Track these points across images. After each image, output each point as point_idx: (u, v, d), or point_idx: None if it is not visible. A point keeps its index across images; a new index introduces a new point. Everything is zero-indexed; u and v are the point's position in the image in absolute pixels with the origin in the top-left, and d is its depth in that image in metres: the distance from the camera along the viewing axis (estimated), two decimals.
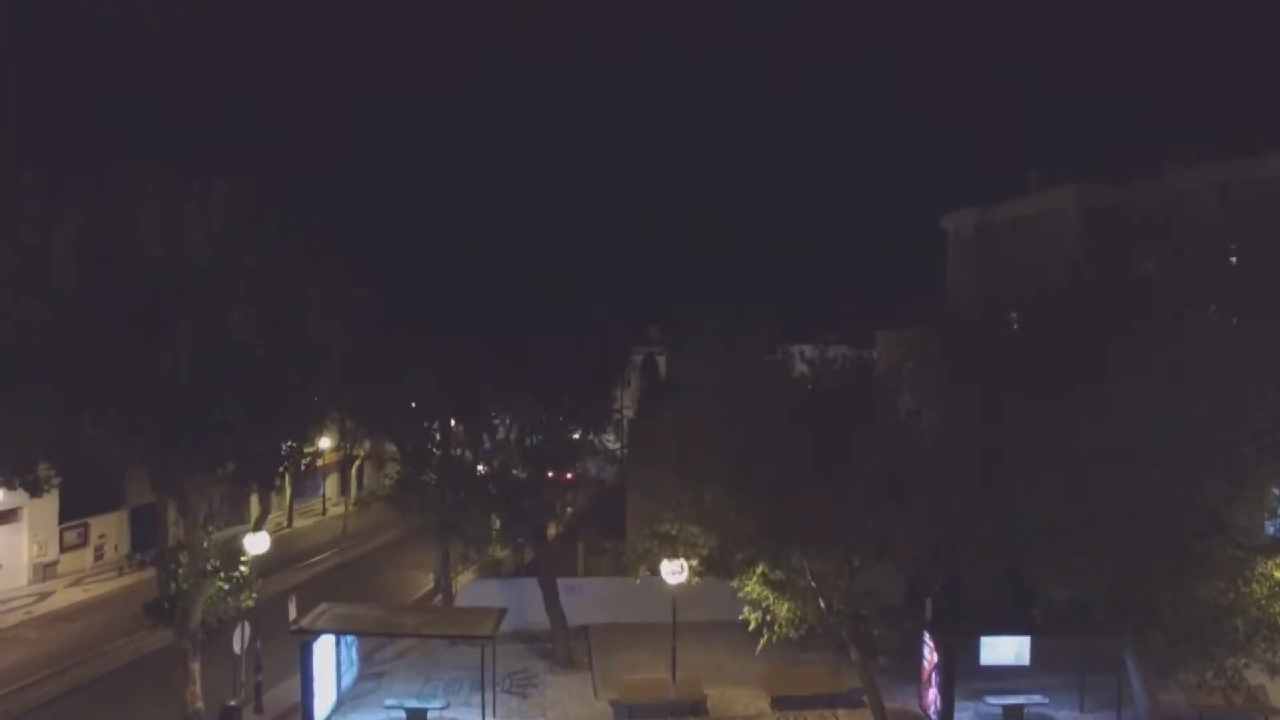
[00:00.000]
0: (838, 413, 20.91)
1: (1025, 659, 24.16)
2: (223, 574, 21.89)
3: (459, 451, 29.65)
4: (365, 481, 55.59)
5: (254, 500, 36.47)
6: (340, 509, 51.43)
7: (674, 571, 21.91)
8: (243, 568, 22.69)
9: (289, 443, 21.19)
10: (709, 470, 20.51)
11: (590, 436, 37.58)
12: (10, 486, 23.01)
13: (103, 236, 17.51)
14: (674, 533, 21.60)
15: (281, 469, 21.50)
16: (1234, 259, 47.71)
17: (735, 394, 21.44)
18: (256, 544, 23.84)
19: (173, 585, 21.15)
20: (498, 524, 29.36)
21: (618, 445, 60.82)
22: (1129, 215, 51.31)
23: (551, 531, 37.50)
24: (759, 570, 20.48)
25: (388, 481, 32.03)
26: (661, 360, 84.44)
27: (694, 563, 21.64)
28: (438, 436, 30.78)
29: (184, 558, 21.52)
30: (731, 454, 20.16)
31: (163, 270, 17.55)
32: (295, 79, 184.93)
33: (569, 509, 44.61)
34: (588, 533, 40.28)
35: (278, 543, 39.88)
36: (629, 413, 63.76)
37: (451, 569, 32.64)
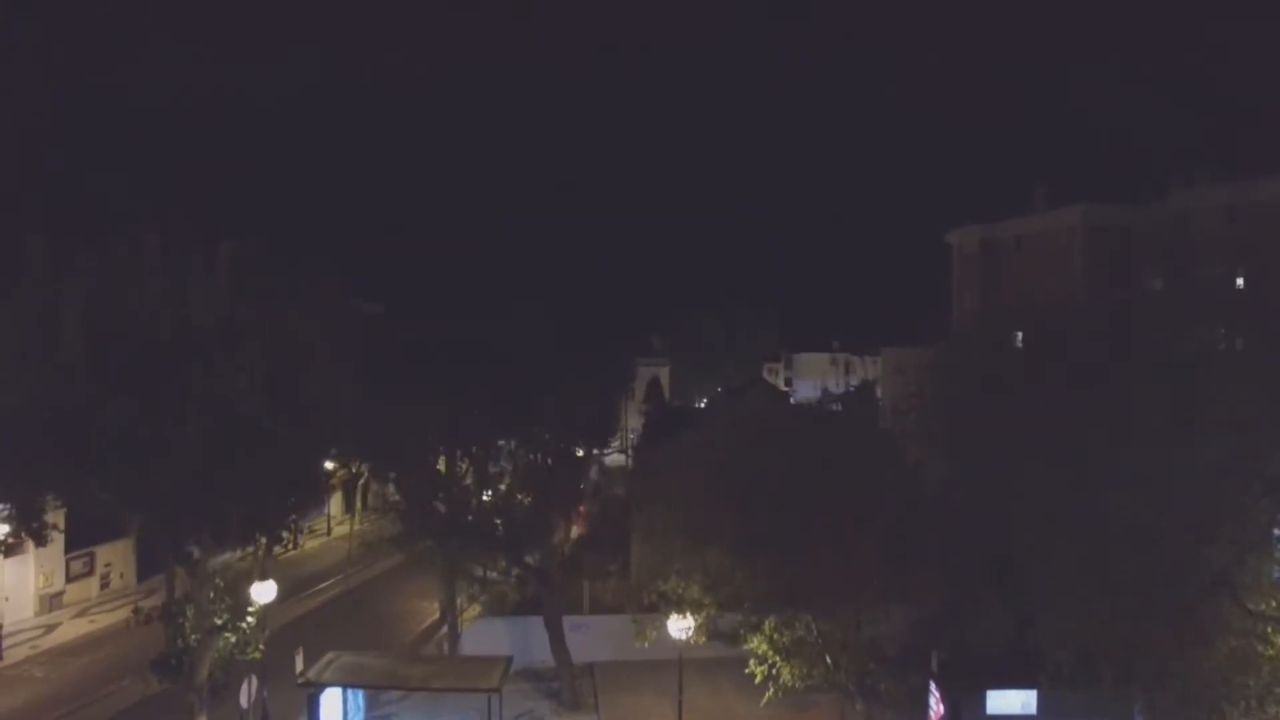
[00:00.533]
0: (844, 467, 20.83)
1: (1032, 708, 23.96)
2: (230, 626, 21.88)
3: (463, 494, 29.68)
4: (370, 500, 55.56)
5: None
6: (345, 528, 51.39)
7: (681, 629, 21.89)
8: (250, 618, 22.68)
9: (296, 502, 21.16)
10: (713, 529, 20.46)
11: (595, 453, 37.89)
12: (17, 536, 23.05)
13: (108, 305, 17.48)
14: (680, 591, 21.60)
15: (289, 521, 21.48)
16: (1240, 280, 47.62)
17: (739, 448, 21.38)
18: (263, 593, 23.83)
19: (179, 640, 21.13)
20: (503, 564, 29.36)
21: (623, 456, 60.90)
22: (1136, 235, 51.24)
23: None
24: (766, 630, 20.43)
25: (392, 513, 31.85)
26: (666, 371, 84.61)
27: (700, 619, 21.60)
28: (442, 472, 30.85)
29: (190, 611, 21.52)
30: (736, 513, 20.10)
31: (168, 339, 17.51)
32: (290, 82, 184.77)
33: (574, 529, 44.57)
34: (592, 559, 40.22)
35: (284, 566, 39.97)
36: (633, 424, 63.97)
37: (458, 606, 32.59)
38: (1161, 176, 53.19)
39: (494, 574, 29.82)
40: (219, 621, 21.62)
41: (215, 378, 17.45)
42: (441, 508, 27.68)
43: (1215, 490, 18.99)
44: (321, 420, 20.16)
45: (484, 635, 30.22)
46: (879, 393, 47.70)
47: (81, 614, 36.43)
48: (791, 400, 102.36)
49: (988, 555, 20.18)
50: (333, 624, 35.97)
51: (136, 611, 21.56)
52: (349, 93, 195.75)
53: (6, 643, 32.13)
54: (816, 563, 19.05)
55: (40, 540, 23.06)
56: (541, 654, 28.91)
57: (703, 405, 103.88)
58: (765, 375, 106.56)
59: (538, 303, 41.51)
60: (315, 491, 21.49)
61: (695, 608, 21.54)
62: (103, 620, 35.59)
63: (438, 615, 36.58)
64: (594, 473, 35.36)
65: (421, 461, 30.38)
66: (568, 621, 29.32)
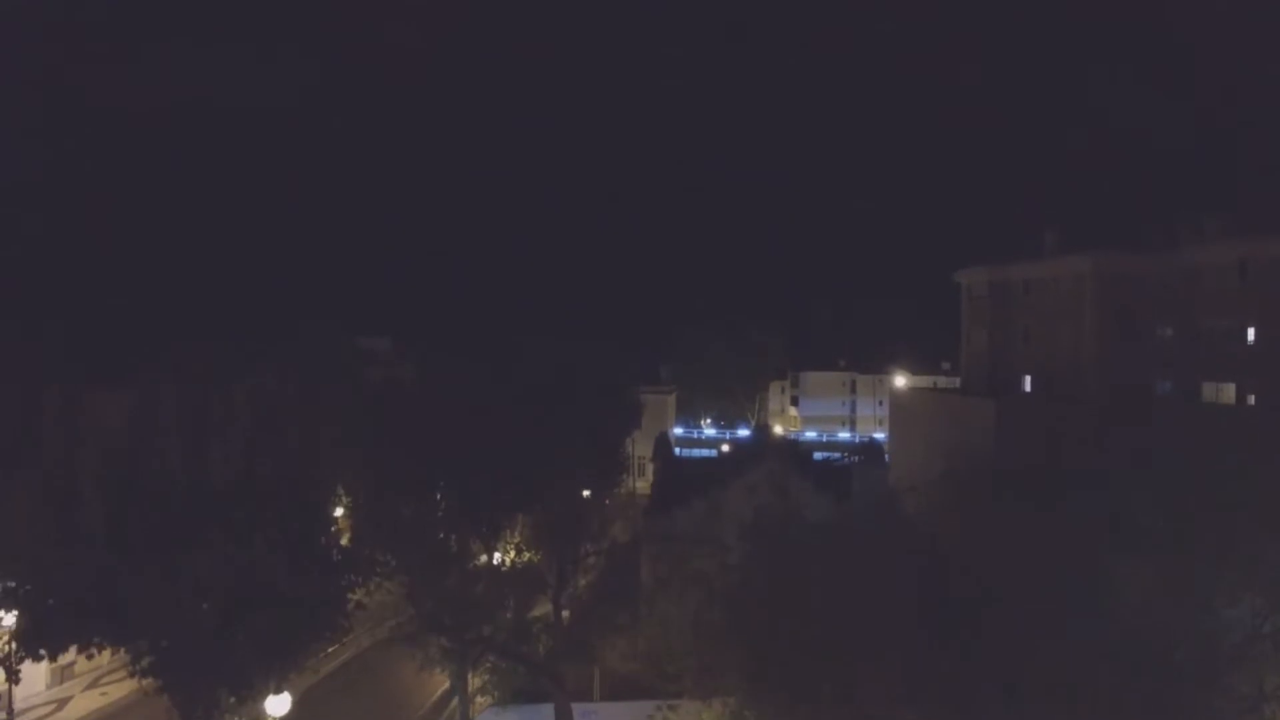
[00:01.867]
0: (857, 601, 20.67)
1: None
2: None
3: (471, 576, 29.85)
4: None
5: None
6: None
7: None
8: None
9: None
10: (719, 667, 20.38)
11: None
12: (36, 660, 23.24)
13: (125, 470, 17.45)
14: None
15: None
16: (1251, 332, 47.32)
17: (745, 575, 21.27)
18: (278, 706, 23.84)
19: None
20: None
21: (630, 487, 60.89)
22: (1146, 283, 50.91)
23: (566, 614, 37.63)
24: None
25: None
26: (672, 399, 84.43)
27: None
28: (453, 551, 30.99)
29: None
30: (744, 649, 19.94)
31: (186, 499, 17.48)
32: (288, 85, 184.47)
33: (584, 579, 44.52)
34: (601, 608, 40.19)
35: None
36: (641, 450, 64.05)
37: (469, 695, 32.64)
38: (1172, 218, 52.95)
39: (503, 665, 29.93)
40: None
41: (234, 540, 17.38)
42: (455, 618, 27.70)
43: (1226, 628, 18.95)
44: (343, 574, 20.14)
45: None
46: (887, 455, 47.53)
47: (93, 685, 36.48)
48: (801, 422, 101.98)
49: (996, 682, 20.07)
50: (341, 697, 36.03)
51: None
52: (348, 95, 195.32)
53: None
54: (830, 707, 18.95)
55: (54, 657, 23.22)
56: None
57: (709, 425, 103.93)
58: (771, 390, 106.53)
59: (542, 354, 41.70)
60: (335, 627, 21.48)
61: None
62: (114, 692, 35.62)
63: (446, 686, 36.61)
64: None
65: (431, 543, 30.47)
66: (578, 709, 29.42)
